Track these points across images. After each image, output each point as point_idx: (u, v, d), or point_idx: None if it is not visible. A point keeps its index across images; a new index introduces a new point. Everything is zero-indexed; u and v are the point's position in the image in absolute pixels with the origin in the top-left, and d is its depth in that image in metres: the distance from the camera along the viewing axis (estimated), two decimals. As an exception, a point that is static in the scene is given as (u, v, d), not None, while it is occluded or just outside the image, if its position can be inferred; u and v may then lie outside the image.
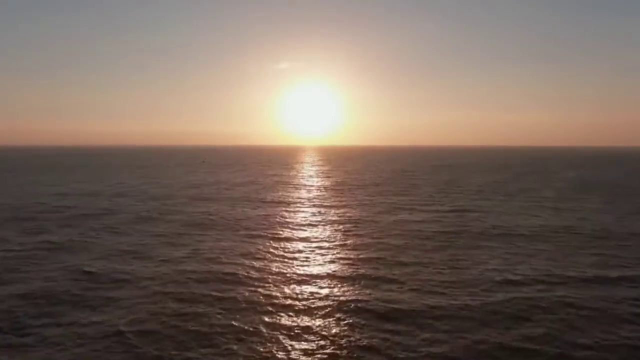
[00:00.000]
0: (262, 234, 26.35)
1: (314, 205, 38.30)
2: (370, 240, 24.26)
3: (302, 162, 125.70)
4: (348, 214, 33.09)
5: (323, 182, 60.53)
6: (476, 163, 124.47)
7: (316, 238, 25.18)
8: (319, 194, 47.18)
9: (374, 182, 60.68)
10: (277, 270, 18.98)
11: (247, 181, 61.60)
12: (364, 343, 12.29)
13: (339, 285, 17.07)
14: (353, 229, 27.66)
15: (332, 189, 51.06)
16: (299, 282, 17.55)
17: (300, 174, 75.40)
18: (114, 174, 74.72)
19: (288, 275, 18.32)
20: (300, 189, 51.18)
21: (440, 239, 24.68)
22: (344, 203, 39.41)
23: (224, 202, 40.21)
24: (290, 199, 42.27)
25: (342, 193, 46.99)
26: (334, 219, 31.17)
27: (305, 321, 13.78)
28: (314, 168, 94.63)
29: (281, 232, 26.73)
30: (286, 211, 34.95)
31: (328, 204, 38.83)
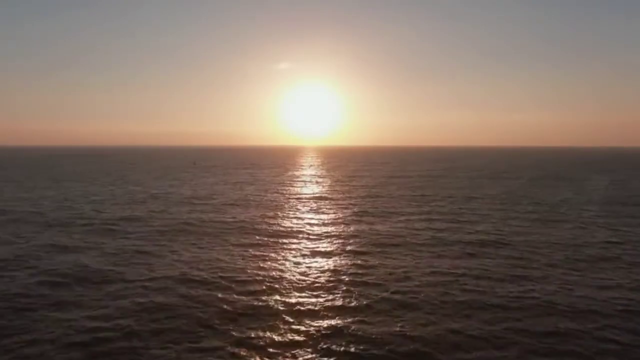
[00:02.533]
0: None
1: (310, 239, 26.18)
2: (382, 328, 14.28)
3: (300, 166, 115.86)
4: (353, 258, 22.47)
5: (323, 195, 47.20)
6: (483, 165, 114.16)
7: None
8: (316, 219, 32.33)
9: (384, 192, 50.62)
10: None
11: (229, 199, 44.58)
12: None
13: None
14: (358, 290, 17.32)
15: (334, 208, 38.50)
16: None
17: (297, 183, 64.40)
18: (70, 180, 64.69)
19: None
20: (292, 212, 35.98)
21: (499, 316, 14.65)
22: (347, 233, 27.71)
23: (171, 239, 25.49)
24: (273, 233, 27.39)
25: (345, 212, 36.71)
26: (334, 268, 20.74)
27: None
28: (313, 174, 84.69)
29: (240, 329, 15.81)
30: (261, 261, 21.63)
31: (330, 239, 26.45)
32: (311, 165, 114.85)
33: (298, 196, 46.23)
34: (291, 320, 14.20)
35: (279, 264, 20.42)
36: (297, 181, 65.23)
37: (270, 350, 12.34)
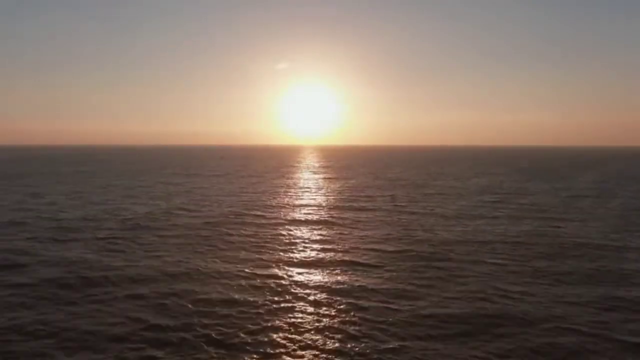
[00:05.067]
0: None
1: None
2: None
3: (296, 168, 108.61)
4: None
5: (319, 216, 40.23)
6: (497, 163, 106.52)
7: None
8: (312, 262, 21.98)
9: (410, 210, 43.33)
10: None
11: (189, 219, 36.98)
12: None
13: None
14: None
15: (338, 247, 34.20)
16: None
17: (289, 195, 56.62)
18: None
19: None
20: (279, 252, 27.73)
21: None
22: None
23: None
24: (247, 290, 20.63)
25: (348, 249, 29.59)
26: None
27: None
28: (309, 179, 77.45)
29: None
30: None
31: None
32: (309, 170, 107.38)
33: (290, 227, 39.08)
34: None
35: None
36: (294, 197, 57.76)
37: None
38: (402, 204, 39.44)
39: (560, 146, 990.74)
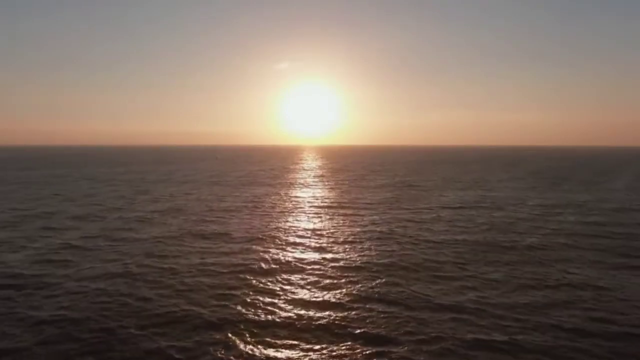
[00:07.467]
0: None
1: None
2: None
3: (296, 172, 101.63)
4: None
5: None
6: (506, 164, 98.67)
7: None
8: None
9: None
10: None
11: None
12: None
13: None
14: None
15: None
16: None
17: (291, 214, 42.66)
18: None
19: None
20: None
21: None
22: None
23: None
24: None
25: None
26: None
27: None
28: (310, 188, 70.12)
29: None
30: None
31: None
32: (308, 178, 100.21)
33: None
34: None
35: None
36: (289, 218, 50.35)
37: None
38: (427, 225, 32.33)
39: (564, 146, 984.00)
